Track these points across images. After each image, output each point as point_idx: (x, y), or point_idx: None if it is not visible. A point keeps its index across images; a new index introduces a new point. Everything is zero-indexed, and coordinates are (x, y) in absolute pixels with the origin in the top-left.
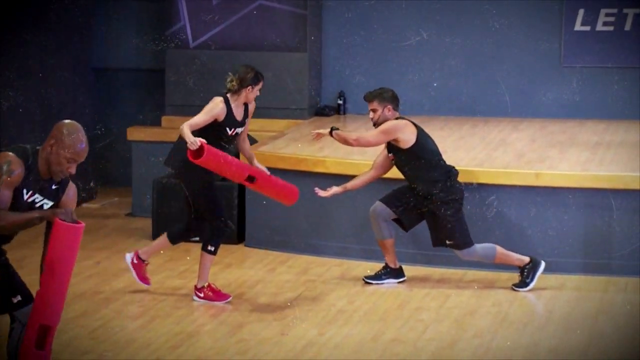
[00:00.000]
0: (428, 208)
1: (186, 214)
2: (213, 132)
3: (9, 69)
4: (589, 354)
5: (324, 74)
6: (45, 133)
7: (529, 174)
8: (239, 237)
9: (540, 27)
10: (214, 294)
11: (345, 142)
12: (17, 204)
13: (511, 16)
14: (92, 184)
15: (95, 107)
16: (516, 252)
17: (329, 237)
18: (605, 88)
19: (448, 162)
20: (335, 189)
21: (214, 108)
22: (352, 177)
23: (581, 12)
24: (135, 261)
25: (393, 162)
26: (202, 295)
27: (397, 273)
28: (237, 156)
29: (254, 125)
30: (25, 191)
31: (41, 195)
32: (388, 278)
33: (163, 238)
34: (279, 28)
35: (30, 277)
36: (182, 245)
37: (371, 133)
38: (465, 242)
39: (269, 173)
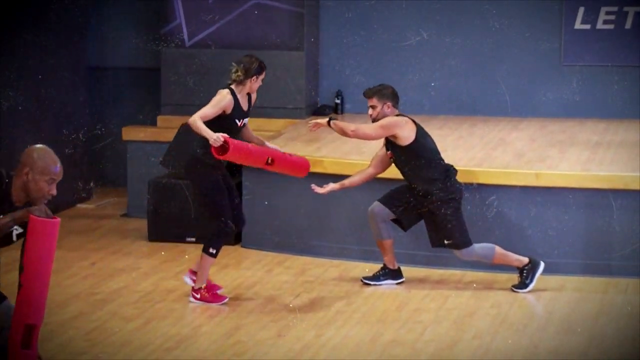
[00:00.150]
0: (427, 207)
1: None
2: (223, 125)
3: (9, 69)
4: (589, 356)
5: (324, 73)
6: (45, 133)
7: (528, 173)
8: (236, 238)
9: (541, 27)
10: (211, 296)
11: (342, 132)
12: None
13: (511, 16)
14: (89, 184)
15: (91, 107)
16: (516, 253)
17: (326, 238)
18: (605, 87)
19: (447, 162)
20: (332, 186)
21: (222, 100)
22: (346, 176)
23: (581, 10)
24: (197, 295)
25: (391, 159)
26: (198, 296)
27: (396, 274)
28: None
29: (251, 125)
30: None
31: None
32: (386, 279)
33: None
34: (276, 26)
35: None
36: (178, 246)
37: (370, 126)
38: (464, 241)
39: (282, 151)
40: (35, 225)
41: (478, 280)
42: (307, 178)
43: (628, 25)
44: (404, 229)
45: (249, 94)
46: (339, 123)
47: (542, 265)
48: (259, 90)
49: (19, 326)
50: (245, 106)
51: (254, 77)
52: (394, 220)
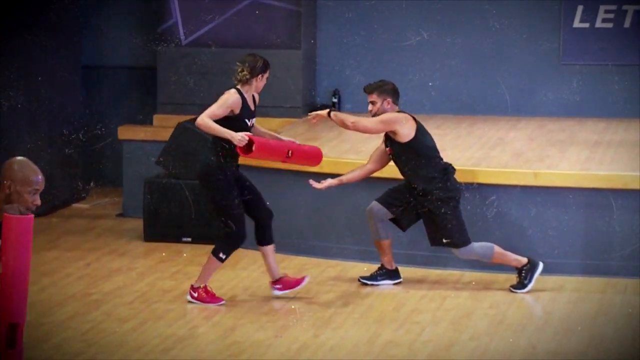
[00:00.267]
0: (425, 206)
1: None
2: (234, 126)
3: (9, 69)
4: (588, 356)
5: (324, 73)
6: (45, 133)
7: (527, 173)
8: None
9: (540, 26)
10: (208, 296)
11: (342, 124)
12: None
13: (511, 16)
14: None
15: (88, 107)
16: (515, 253)
17: (324, 238)
18: (605, 86)
19: (446, 161)
20: (330, 181)
21: (229, 98)
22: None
23: (580, 8)
24: (194, 294)
25: (390, 156)
26: (195, 295)
27: (393, 274)
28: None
29: None
30: None
31: None
32: (384, 279)
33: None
34: (273, 25)
35: None
36: (174, 246)
37: (370, 120)
38: (463, 240)
39: (298, 142)
40: (10, 223)
41: (476, 281)
42: (304, 176)
43: (627, 24)
44: (403, 229)
45: (253, 96)
46: (339, 114)
47: (541, 265)
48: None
49: (1, 326)
50: (252, 106)
51: (260, 76)
52: (393, 220)
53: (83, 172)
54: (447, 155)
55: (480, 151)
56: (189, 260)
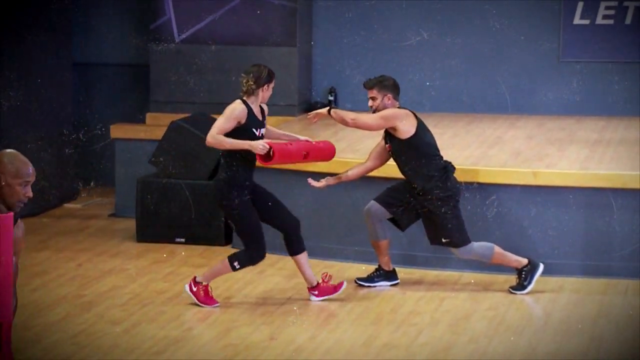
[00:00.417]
0: (425, 206)
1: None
2: (242, 137)
3: (9, 68)
4: (589, 359)
5: (323, 73)
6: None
7: (526, 172)
8: (227, 238)
9: (541, 26)
10: (205, 296)
11: (342, 121)
12: None
13: (511, 16)
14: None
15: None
16: (516, 253)
17: (320, 238)
18: (605, 84)
19: (445, 159)
20: (329, 180)
21: (235, 109)
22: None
23: (580, 5)
24: (194, 288)
25: (390, 153)
26: (195, 289)
27: (391, 275)
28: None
29: None
30: None
31: None
32: (381, 280)
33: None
34: (269, 22)
35: None
36: (167, 246)
37: (370, 116)
38: (462, 240)
39: (312, 141)
40: None
41: (475, 282)
42: (303, 175)
43: (628, 21)
44: (402, 228)
45: (261, 107)
46: (339, 112)
47: (541, 267)
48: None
49: None
50: (260, 116)
51: (265, 86)
52: (391, 220)
53: (75, 171)
54: (445, 154)
55: (479, 150)
56: (182, 261)
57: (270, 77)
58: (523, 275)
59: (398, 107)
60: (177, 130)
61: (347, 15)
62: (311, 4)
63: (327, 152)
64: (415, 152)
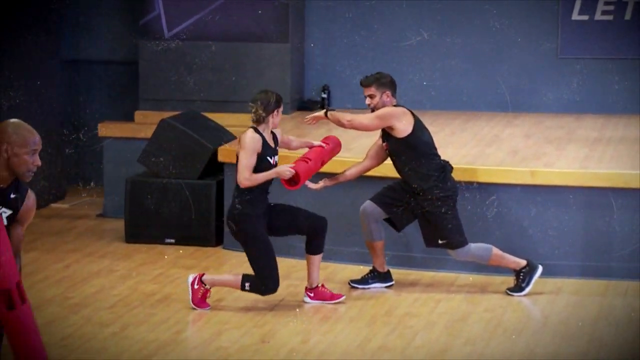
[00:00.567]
0: (422, 206)
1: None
2: (257, 167)
3: (10, 68)
4: None
5: (319, 70)
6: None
7: (524, 171)
8: (217, 239)
9: (541, 27)
10: (201, 297)
11: (338, 122)
12: None
13: (511, 16)
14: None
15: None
16: (515, 254)
17: None
18: (604, 81)
19: (442, 158)
20: (326, 181)
21: (252, 141)
22: (337, 174)
23: (579, 0)
24: (196, 285)
25: (387, 152)
26: (196, 287)
27: (385, 277)
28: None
29: (233, 121)
30: None
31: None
32: (375, 282)
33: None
34: (260, 18)
35: None
36: (157, 247)
37: (366, 116)
38: (459, 241)
39: (324, 146)
40: None
41: (471, 283)
42: None
43: (628, 16)
44: (397, 229)
45: (273, 133)
46: (335, 114)
47: (540, 268)
48: (245, 86)
49: None
50: (272, 142)
51: (275, 112)
52: (387, 220)
53: (62, 171)
54: (441, 152)
55: (476, 148)
56: (172, 262)
57: (278, 103)
58: (521, 277)
59: (395, 105)
60: (167, 129)
61: (347, 15)
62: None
63: (337, 150)
64: (412, 152)
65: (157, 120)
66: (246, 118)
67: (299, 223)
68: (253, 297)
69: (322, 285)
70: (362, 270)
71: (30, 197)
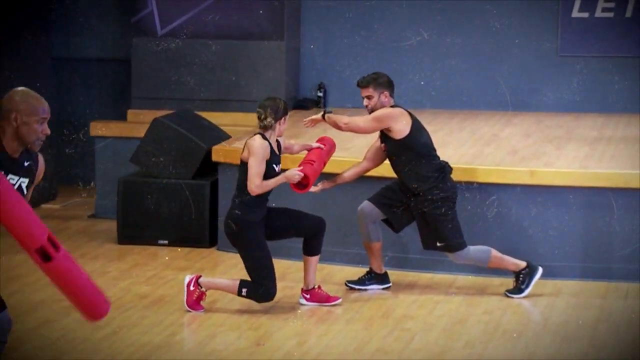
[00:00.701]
0: (420, 208)
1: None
2: (264, 176)
3: (10, 68)
4: None
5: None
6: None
7: (523, 171)
8: (211, 240)
9: (541, 26)
10: (195, 299)
11: (335, 125)
12: None
13: (511, 16)
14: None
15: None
16: (515, 254)
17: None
18: (604, 80)
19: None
20: (325, 183)
21: (260, 148)
22: (336, 175)
23: None
24: (192, 287)
25: (386, 153)
26: (192, 288)
27: (383, 278)
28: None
29: (227, 120)
30: None
31: (16, 175)
32: (372, 283)
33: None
34: (254, 15)
35: None
36: (150, 248)
37: (363, 118)
38: (458, 243)
39: (322, 147)
40: None
41: (469, 285)
42: None
43: (629, 14)
44: (395, 230)
45: (277, 140)
46: (332, 116)
47: (540, 270)
48: (240, 84)
49: (31, 253)
50: (277, 150)
51: (282, 119)
52: (385, 221)
53: (53, 170)
54: (439, 152)
55: (474, 148)
56: (165, 264)
57: (286, 110)
58: (521, 279)
59: (393, 105)
60: (161, 128)
61: (347, 15)
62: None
63: (333, 151)
64: (411, 153)
65: (150, 119)
66: (240, 117)
67: (298, 225)
68: (247, 300)
69: (319, 287)
70: (359, 271)
71: (40, 159)
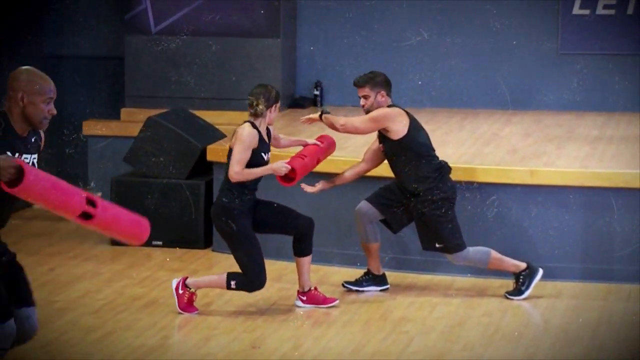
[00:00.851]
0: (419, 208)
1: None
2: (251, 162)
3: (9, 68)
4: None
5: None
6: (46, 133)
7: (523, 171)
8: (206, 241)
9: (541, 26)
10: (187, 301)
11: (332, 126)
12: None
13: (511, 16)
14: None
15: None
16: (515, 255)
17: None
18: (605, 79)
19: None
20: (323, 184)
21: (249, 136)
22: (333, 174)
23: None
24: (180, 290)
25: (384, 153)
26: (180, 292)
27: (380, 280)
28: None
29: (223, 119)
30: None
31: (28, 153)
32: (370, 285)
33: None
34: (250, 12)
35: None
36: (143, 250)
37: (359, 119)
38: (457, 245)
39: (320, 144)
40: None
41: (469, 287)
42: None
43: (630, 11)
44: (394, 231)
45: (268, 128)
46: (329, 117)
47: (540, 272)
48: (235, 82)
49: (76, 221)
50: (267, 138)
51: (274, 107)
52: (383, 221)
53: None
54: (437, 152)
55: (473, 147)
56: (159, 265)
57: (277, 98)
58: (521, 280)
59: (390, 105)
60: (155, 127)
61: (347, 15)
62: None
63: (332, 149)
64: (408, 153)
65: (143, 118)
66: (235, 116)
67: (285, 223)
68: (243, 301)
69: (315, 289)
70: (356, 273)
71: (42, 136)
